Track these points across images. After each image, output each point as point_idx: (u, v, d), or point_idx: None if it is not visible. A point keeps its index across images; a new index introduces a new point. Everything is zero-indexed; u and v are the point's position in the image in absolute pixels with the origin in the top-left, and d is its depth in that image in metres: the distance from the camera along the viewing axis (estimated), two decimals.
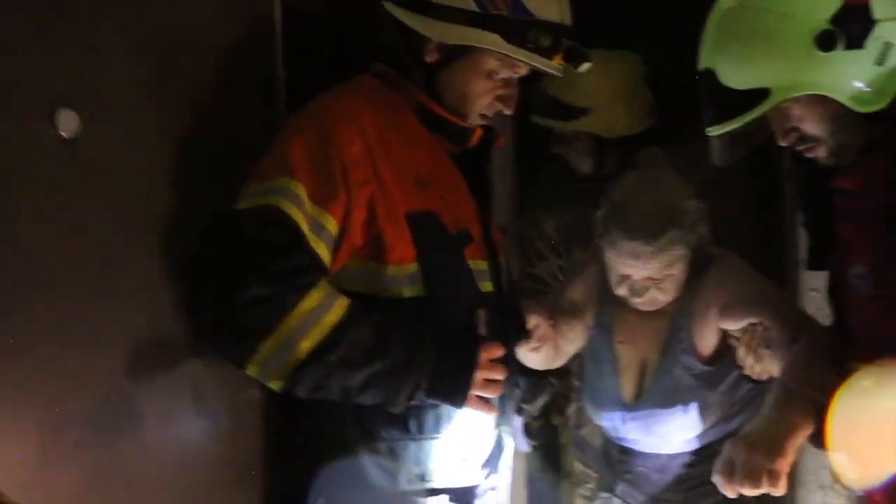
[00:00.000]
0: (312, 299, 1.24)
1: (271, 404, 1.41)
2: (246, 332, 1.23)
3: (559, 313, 1.78)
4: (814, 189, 1.38)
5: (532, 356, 1.74)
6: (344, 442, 1.34)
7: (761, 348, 1.57)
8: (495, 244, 1.46)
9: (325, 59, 1.58)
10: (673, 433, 1.77)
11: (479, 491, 1.43)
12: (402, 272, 1.32)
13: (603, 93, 2.10)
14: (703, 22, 1.30)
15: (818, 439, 1.30)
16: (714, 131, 1.30)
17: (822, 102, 1.23)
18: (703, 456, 1.76)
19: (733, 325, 1.65)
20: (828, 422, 1.13)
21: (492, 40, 1.33)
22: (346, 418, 1.33)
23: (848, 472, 1.15)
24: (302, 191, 1.26)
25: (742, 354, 1.63)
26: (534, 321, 1.66)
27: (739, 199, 2.17)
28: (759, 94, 1.23)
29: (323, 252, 1.27)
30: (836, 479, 2.10)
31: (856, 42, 1.19)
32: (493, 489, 1.47)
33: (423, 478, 1.36)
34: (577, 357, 1.92)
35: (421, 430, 1.35)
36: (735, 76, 1.24)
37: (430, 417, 1.35)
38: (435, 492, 1.37)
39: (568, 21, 1.38)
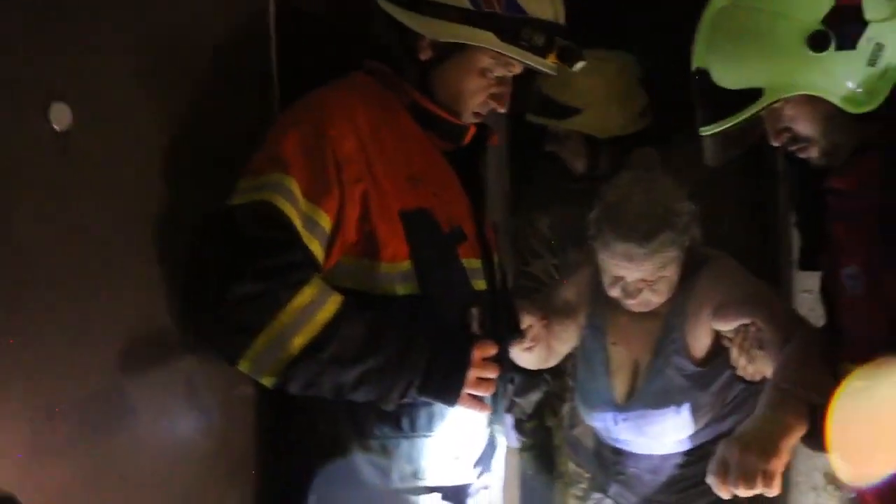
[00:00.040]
0: (305, 296, 1.24)
1: (264, 401, 1.41)
2: (238, 328, 1.23)
3: (552, 313, 1.78)
4: (806, 189, 1.39)
5: (525, 356, 1.75)
6: (336, 439, 1.34)
7: (754, 349, 1.57)
8: (489, 242, 1.46)
9: (319, 56, 1.58)
10: (665, 434, 1.77)
11: (471, 490, 1.43)
12: (396, 269, 1.32)
13: (596, 92, 2.11)
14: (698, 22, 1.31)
15: (811, 440, 1.30)
16: (707, 131, 1.30)
17: (814, 103, 1.24)
18: (696, 457, 1.76)
19: (726, 326, 1.65)
20: (826, 421, 1.13)
21: (485, 38, 1.33)
22: (339, 415, 1.33)
23: (847, 471, 1.15)
24: (295, 187, 1.26)
25: (735, 355, 1.63)
26: (527, 321, 1.66)
27: (733, 200, 2.18)
28: (752, 94, 1.23)
29: (316, 248, 1.27)
30: (829, 480, 2.12)
31: (847, 43, 1.19)
32: (485, 488, 1.47)
33: (415, 476, 1.36)
34: (571, 357, 1.92)
35: (413, 427, 1.35)
36: (728, 76, 1.25)
37: (422, 415, 1.35)
38: (427, 490, 1.37)
39: (562, 20, 1.39)
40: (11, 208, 1.03)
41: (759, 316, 1.56)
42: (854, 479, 1.13)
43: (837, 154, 1.29)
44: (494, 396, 1.40)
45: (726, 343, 1.66)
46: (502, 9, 1.33)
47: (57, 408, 1.08)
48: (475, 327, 1.37)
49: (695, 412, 1.74)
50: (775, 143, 1.31)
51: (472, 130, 1.45)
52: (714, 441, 1.48)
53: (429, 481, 1.37)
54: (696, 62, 1.29)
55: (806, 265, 1.44)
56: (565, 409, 2.15)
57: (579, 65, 1.41)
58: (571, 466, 2.11)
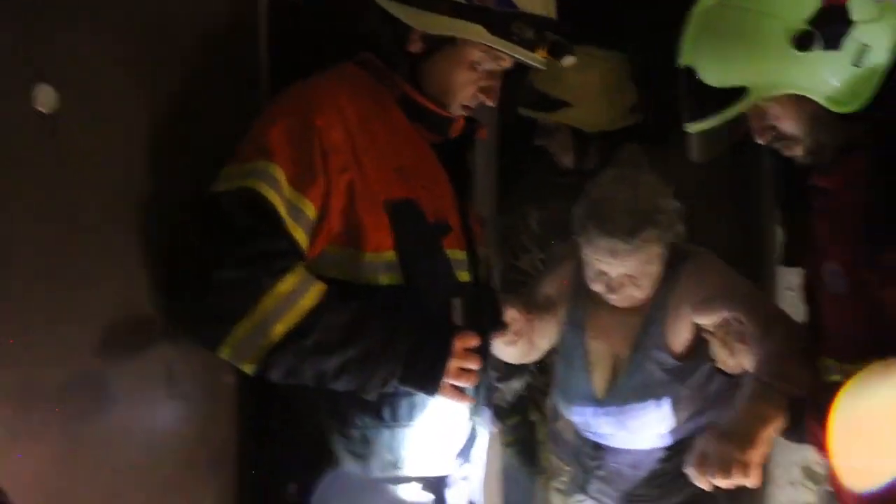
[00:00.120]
0: (288, 283, 1.24)
1: (245, 389, 1.41)
2: (220, 314, 1.23)
3: (534, 308, 1.79)
4: (792, 186, 1.40)
5: (507, 350, 1.76)
6: (317, 428, 1.35)
7: (736, 342, 1.58)
8: (474, 235, 1.47)
9: (309, 46, 1.58)
10: (645, 428, 1.78)
11: (451, 480, 1.44)
12: (380, 259, 1.32)
13: (586, 87, 2.11)
14: None
15: (791, 433, 1.32)
16: (693, 128, 1.31)
17: (799, 102, 1.25)
18: (676, 451, 1.77)
19: (708, 320, 1.66)
20: (828, 426, 1.13)
21: (475, 31, 1.33)
22: (320, 404, 1.34)
23: (849, 476, 1.15)
24: (281, 175, 1.26)
25: (716, 349, 1.64)
26: (511, 314, 1.67)
27: (718, 198, 2.18)
28: (737, 93, 1.24)
29: (300, 237, 1.27)
30: (806, 474, 2.14)
31: (833, 43, 1.20)
32: (465, 479, 1.47)
33: (395, 465, 1.36)
34: (554, 352, 1.93)
35: (395, 417, 1.35)
36: (714, 74, 1.25)
37: (403, 405, 1.35)
38: (407, 480, 1.38)
39: (552, 14, 1.39)
40: None
41: (740, 310, 1.57)
42: (856, 484, 1.13)
43: (822, 153, 1.30)
44: (476, 388, 1.40)
45: (707, 336, 1.67)
46: (493, 2, 1.33)
47: (34, 392, 1.07)
48: (458, 318, 1.37)
49: (675, 406, 1.75)
50: (760, 141, 1.32)
51: (461, 123, 1.45)
52: (694, 435, 1.49)
53: (409, 471, 1.37)
54: (683, 60, 1.29)
55: (789, 262, 1.45)
56: (549, 402, 2.16)
57: (569, 60, 1.41)
58: (553, 460, 2.12)
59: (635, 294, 1.73)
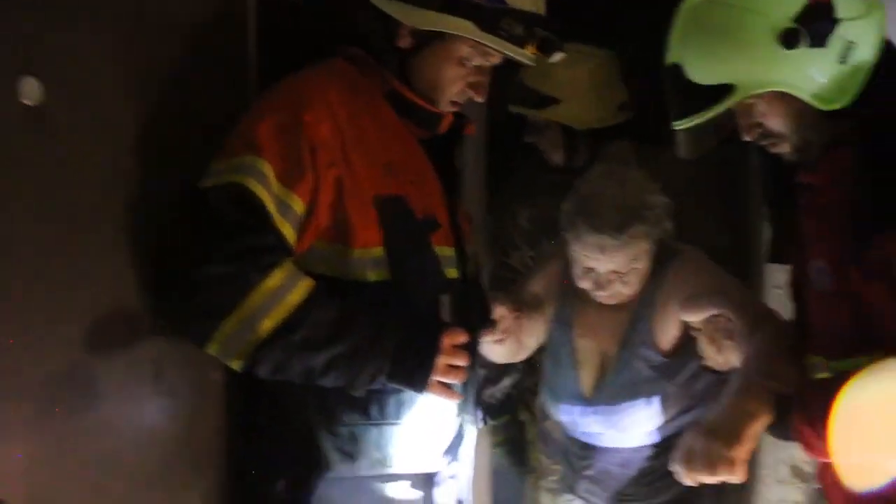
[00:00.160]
0: (276, 278, 1.24)
1: (233, 386, 1.40)
2: (208, 310, 1.23)
3: (523, 306, 1.79)
4: (779, 183, 1.40)
5: (496, 349, 1.76)
6: (305, 425, 1.34)
7: (723, 339, 1.59)
8: (462, 231, 1.47)
9: (299, 41, 1.57)
10: (633, 426, 1.79)
11: (439, 478, 1.43)
12: (368, 255, 1.32)
13: (576, 84, 2.12)
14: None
15: (777, 429, 1.32)
16: (680, 125, 1.31)
17: (785, 99, 1.25)
18: (665, 449, 1.77)
19: (695, 317, 1.66)
20: (829, 423, 1.13)
21: (464, 27, 1.33)
22: (308, 402, 1.33)
23: (850, 475, 1.15)
24: (269, 170, 1.26)
25: (704, 345, 1.65)
26: (499, 312, 1.67)
27: (706, 196, 2.19)
28: (724, 90, 1.24)
29: (288, 232, 1.27)
30: (794, 473, 2.15)
31: (819, 41, 1.20)
32: (453, 477, 1.47)
33: (383, 463, 1.36)
34: (543, 350, 1.93)
35: (383, 414, 1.35)
36: (700, 71, 1.26)
37: (391, 403, 1.35)
38: (395, 477, 1.38)
39: (542, 11, 1.39)
40: None
41: (728, 307, 1.58)
42: (857, 484, 1.13)
43: (809, 150, 1.31)
44: (464, 385, 1.40)
45: (694, 334, 1.68)
46: None
47: (20, 388, 1.07)
48: (446, 315, 1.37)
49: (663, 404, 1.75)
50: (747, 138, 1.33)
51: (449, 119, 1.45)
52: (682, 432, 1.49)
53: (397, 469, 1.37)
54: (670, 57, 1.30)
55: (776, 258, 1.46)
56: (538, 402, 2.16)
57: (558, 56, 1.41)
58: (543, 460, 2.12)
59: (623, 291, 1.74)
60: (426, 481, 1.41)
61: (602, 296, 1.75)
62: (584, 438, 1.87)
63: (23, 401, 1.08)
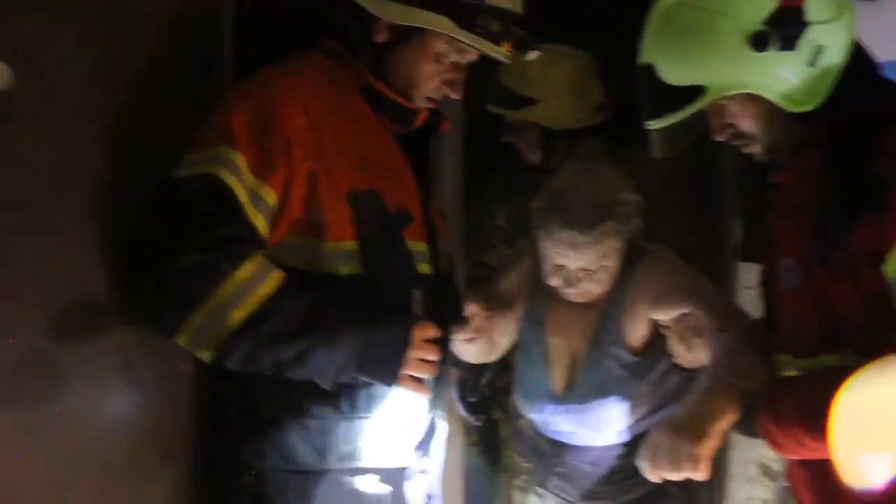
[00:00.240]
0: (246, 270, 1.23)
1: (202, 378, 1.39)
2: (178, 300, 1.22)
3: (494, 304, 1.79)
4: (752, 182, 1.42)
5: (468, 348, 1.76)
6: (275, 418, 1.34)
7: (692, 337, 1.60)
8: (436, 228, 1.47)
9: (274, 34, 1.57)
10: (604, 424, 1.80)
11: (409, 473, 1.43)
12: (340, 248, 1.32)
13: (554, 85, 2.13)
14: None
15: (745, 427, 1.33)
16: (652, 125, 1.32)
17: (756, 101, 1.26)
18: (635, 447, 1.78)
19: (665, 316, 1.68)
20: (828, 423, 1.13)
21: (441, 23, 1.33)
22: (278, 393, 1.33)
23: (849, 474, 1.15)
24: (242, 161, 1.25)
25: (673, 344, 1.66)
26: (471, 310, 1.67)
27: (681, 195, 2.21)
28: (696, 91, 1.25)
29: (260, 224, 1.27)
30: (763, 471, 2.17)
31: (788, 44, 1.22)
32: (424, 472, 1.47)
33: (353, 457, 1.36)
34: (516, 348, 1.93)
35: (353, 408, 1.35)
36: (672, 72, 1.27)
37: (362, 396, 1.35)
38: (365, 471, 1.37)
39: (519, 9, 1.40)
40: None
41: (697, 305, 1.59)
42: (856, 482, 1.14)
43: (780, 151, 1.32)
44: (436, 380, 1.40)
45: (664, 332, 1.69)
46: None
47: None
48: (417, 309, 1.37)
49: (633, 402, 1.76)
50: (719, 139, 1.34)
51: (424, 114, 1.45)
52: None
53: (366, 463, 1.37)
54: (643, 57, 1.31)
55: (747, 257, 1.47)
56: (511, 400, 2.16)
57: (533, 54, 1.42)
58: (516, 458, 2.12)
59: (592, 289, 1.75)
60: (396, 476, 1.41)
61: (572, 294, 1.75)
62: (555, 437, 1.87)
63: None
